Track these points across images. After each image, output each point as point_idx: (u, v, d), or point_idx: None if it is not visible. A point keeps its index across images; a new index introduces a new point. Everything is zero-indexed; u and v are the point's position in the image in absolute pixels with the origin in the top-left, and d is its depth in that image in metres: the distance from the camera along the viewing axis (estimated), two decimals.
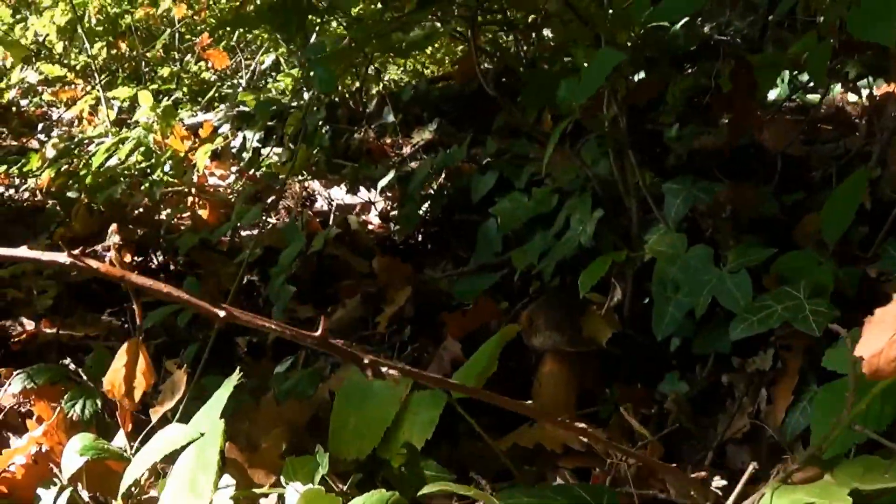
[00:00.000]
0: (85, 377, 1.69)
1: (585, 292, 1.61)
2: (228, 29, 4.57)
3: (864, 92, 2.50)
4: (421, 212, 2.56)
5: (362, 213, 2.90)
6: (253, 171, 3.39)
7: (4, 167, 3.58)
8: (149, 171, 3.30)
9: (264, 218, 2.71)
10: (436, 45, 4.43)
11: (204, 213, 2.98)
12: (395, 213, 2.81)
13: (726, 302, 1.47)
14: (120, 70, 5.05)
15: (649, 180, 1.71)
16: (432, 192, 2.61)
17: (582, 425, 0.83)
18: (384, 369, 0.70)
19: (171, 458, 1.20)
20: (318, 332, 0.72)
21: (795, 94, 2.40)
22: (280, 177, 2.95)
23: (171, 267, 2.70)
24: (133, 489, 1.35)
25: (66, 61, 5.26)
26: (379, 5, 2.95)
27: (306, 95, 3.66)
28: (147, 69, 5.06)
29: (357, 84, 3.74)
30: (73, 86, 5.04)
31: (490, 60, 2.92)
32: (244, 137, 3.61)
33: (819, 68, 1.65)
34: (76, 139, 3.83)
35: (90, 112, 4.49)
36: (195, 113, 4.25)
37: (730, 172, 1.96)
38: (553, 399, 1.61)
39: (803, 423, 1.40)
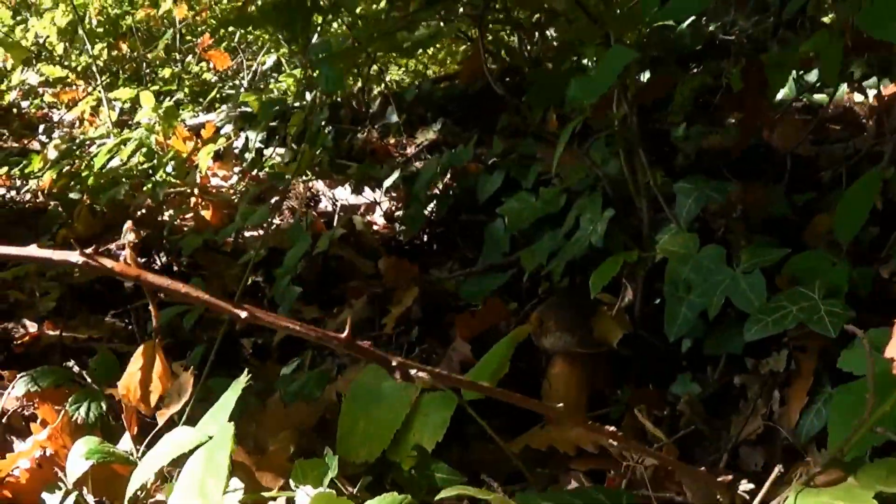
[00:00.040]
0: (89, 379, 1.67)
1: (597, 293, 1.59)
2: (230, 29, 4.56)
3: (870, 92, 2.50)
4: (426, 212, 2.55)
5: (367, 213, 2.88)
6: (256, 171, 3.37)
7: (6, 169, 3.56)
8: (151, 171, 3.28)
9: (268, 218, 2.69)
10: (437, 46, 4.42)
11: (207, 214, 2.96)
12: (400, 213, 2.79)
13: (740, 303, 1.46)
14: (121, 71, 5.04)
15: (660, 180, 1.69)
16: (438, 192, 2.59)
17: (611, 428, 0.81)
18: (413, 372, 0.68)
19: (178, 462, 1.19)
20: (345, 335, 0.70)
21: (802, 94, 2.39)
22: (286, 177, 2.93)
23: (175, 268, 2.68)
24: (140, 493, 1.34)
25: (66, 63, 5.24)
26: (382, 4, 2.94)
27: (308, 96, 3.64)
28: (148, 70, 5.05)
29: (359, 84, 3.72)
30: (74, 87, 5.02)
31: (494, 60, 2.91)
32: (247, 138, 3.59)
33: (831, 67, 1.64)
34: (78, 140, 3.82)
35: (91, 113, 4.47)
36: (197, 114, 4.24)
37: (738, 172, 1.95)
38: (563, 400, 1.59)
39: (818, 424, 1.39)
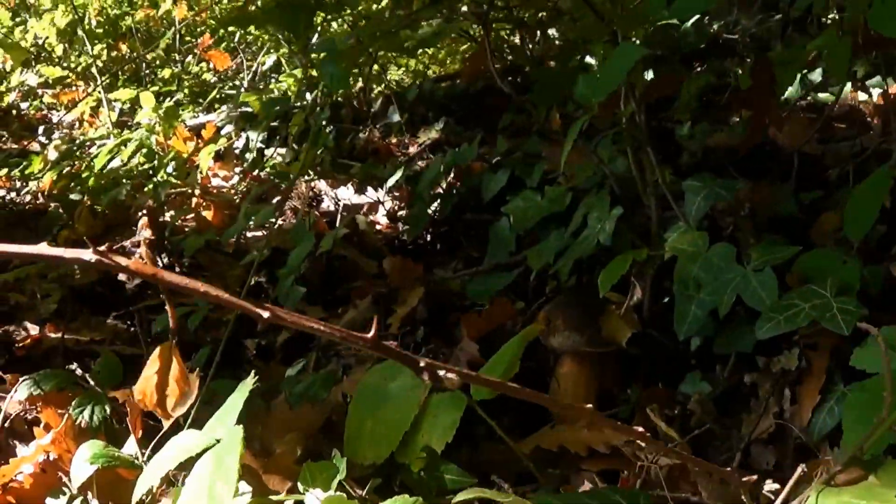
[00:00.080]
0: (92, 382, 1.66)
1: (605, 292, 1.58)
2: (230, 29, 4.54)
3: (874, 91, 2.49)
4: (430, 211, 2.53)
5: (370, 213, 2.87)
6: (257, 171, 3.36)
7: (5, 170, 3.54)
8: (152, 172, 3.26)
9: (272, 218, 2.67)
10: (438, 45, 4.41)
11: (208, 215, 2.95)
12: (403, 212, 2.78)
13: (751, 300, 1.45)
14: (120, 72, 5.02)
15: (668, 178, 1.68)
16: (441, 191, 2.58)
17: (639, 428, 0.80)
18: (441, 373, 0.66)
19: (183, 466, 1.17)
20: (371, 335, 0.69)
21: (808, 93, 2.38)
22: (290, 176, 2.91)
23: (176, 269, 2.67)
24: (145, 498, 1.32)
25: (66, 64, 5.22)
26: (384, 3, 2.93)
27: (309, 96, 3.62)
28: (148, 71, 5.03)
29: (361, 83, 3.71)
30: (73, 88, 5.00)
31: (497, 59, 2.89)
32: (247, 138, 3.57)
33: (840, 65, 1.62)
34: (78, 141, 3.80)
35: (91, 114, 4.45)
36: (197, 114, 4.22)
37: (745, 170, 1.94)
38: (572, 400, 1.58)
39: (830, 423, 1.38)
